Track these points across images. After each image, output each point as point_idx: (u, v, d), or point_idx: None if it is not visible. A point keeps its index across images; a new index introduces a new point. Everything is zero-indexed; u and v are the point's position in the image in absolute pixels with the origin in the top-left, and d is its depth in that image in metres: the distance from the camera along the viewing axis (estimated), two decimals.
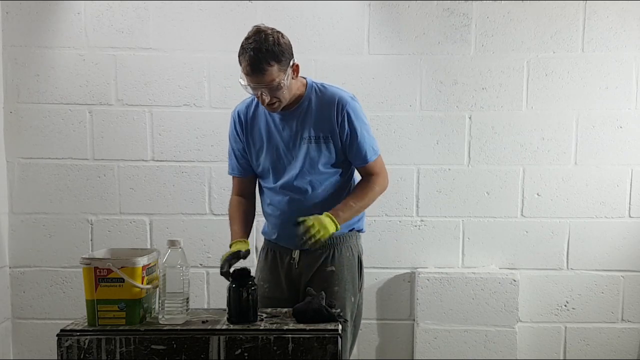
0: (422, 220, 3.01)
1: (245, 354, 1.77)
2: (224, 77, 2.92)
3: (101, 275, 1.83)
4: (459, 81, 2.95)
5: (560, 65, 2.93)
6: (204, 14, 2.91)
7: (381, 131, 2.95)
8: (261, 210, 2.29)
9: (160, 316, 1.87)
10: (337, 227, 2.06)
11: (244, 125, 2.21)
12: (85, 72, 2.93)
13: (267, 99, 2.03)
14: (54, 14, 2.90)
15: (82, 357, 1.77)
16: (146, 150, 2.98)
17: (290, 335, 1.78)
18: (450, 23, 2.92)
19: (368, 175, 2.20)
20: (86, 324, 1.85)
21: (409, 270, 3.02)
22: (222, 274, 2.01)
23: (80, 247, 2.97)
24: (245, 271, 1.90)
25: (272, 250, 2.25)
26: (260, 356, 1.77)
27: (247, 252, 2.10)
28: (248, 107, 2.22)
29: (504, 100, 2.95)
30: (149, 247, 2.95)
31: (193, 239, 2.98)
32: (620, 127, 2.95)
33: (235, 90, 2.88)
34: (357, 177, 2.26)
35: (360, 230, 2.32)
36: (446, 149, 2.98)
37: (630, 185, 2.97)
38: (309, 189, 2.16)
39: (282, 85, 2.01)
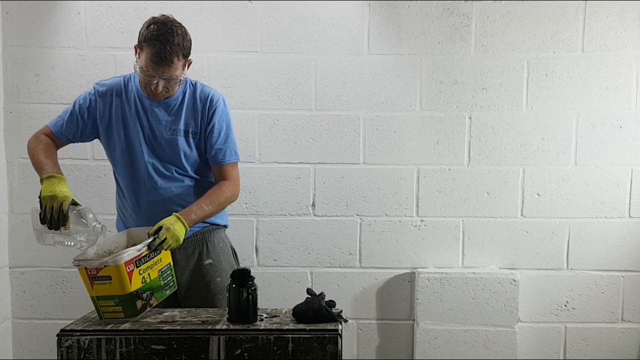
0: (422, 220, 3.01)
1: (245, 354, 1.77)
2: (223, 77, 2.91)
3: (92, 274, 1.83)
4: (459, 81, 2.95)
5: (560, 65, 2.93)
6: (204, 14, 2.90)
7: (381, 131, 2.96)
8: (118, 208, 2.33)
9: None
10: (186, 229, 2.03)
11: (102, 105, 2.19)
12: (85, 72, 2.93)
13: (160, 89, 2.06)
14: (54, 14, 2.90)
15: (82, 357, 1.77)
16: None
17: (290, 335, 1.78)
18: (450, 23, 2.92)
19: (222, 180, 2.20)
20: (86, 323, 1.86)
21: (409, 270, 3.02)
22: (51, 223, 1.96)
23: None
24: (245, 271, 1.90)
25: None
26: (260, 356, 1.77)
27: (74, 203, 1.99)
28: (117, 87, 2.20)
29: (504, 100, 2.95)
30: None
31: None
32: (620, 127, 2.95)
33: (236, 90, 2.91)
34: None
35: (225, 226, 2.35)
36: (446, 149, 2.98)
37: (630, 185, 2.97)
38: (180, 180, 2.19)
39: (181, 79, 2.08)
